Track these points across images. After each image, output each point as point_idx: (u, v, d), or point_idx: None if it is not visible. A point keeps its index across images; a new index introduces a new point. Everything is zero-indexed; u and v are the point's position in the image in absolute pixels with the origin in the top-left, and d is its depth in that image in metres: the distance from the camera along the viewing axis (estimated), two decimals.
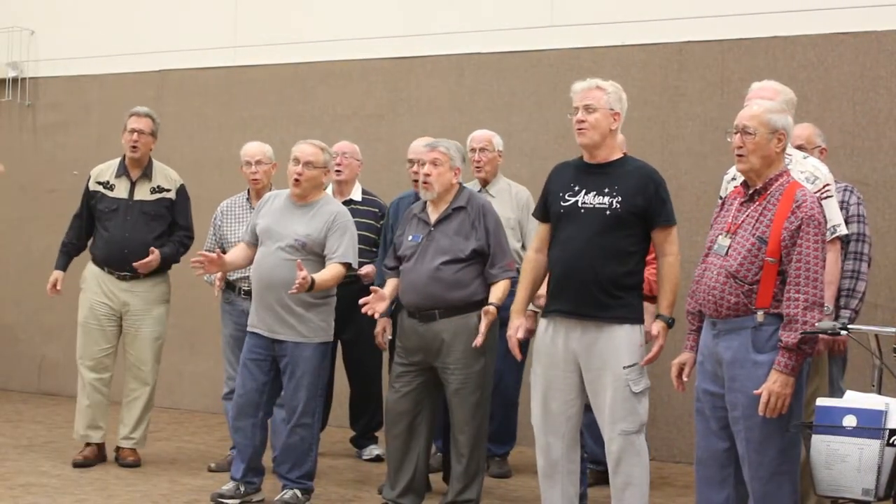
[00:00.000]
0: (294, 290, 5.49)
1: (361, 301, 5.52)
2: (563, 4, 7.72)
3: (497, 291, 5.36)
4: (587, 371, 4.80)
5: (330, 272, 5.69)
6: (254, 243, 5.88)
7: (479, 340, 5.27)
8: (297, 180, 5.77)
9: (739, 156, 4.35)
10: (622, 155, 4.93)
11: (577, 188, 4.85)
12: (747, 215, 4.35)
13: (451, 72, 8.05)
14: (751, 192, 4.38)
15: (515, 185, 6.64)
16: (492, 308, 5.29)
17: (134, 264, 6.57)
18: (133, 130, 6.67)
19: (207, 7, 9.00)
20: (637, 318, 4.78)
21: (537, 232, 5.07)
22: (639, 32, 7.43)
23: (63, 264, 6.76)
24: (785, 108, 4.47)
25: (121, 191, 6.70)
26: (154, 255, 6.56)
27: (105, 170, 6.79)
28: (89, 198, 6.73)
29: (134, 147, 6.67)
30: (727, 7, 7.20)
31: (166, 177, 6.83)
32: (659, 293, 4.85)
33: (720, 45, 7.20)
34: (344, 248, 5.74)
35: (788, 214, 4.23)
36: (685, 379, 4.56)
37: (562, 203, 4.87)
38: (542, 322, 4.94)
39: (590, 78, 4.96)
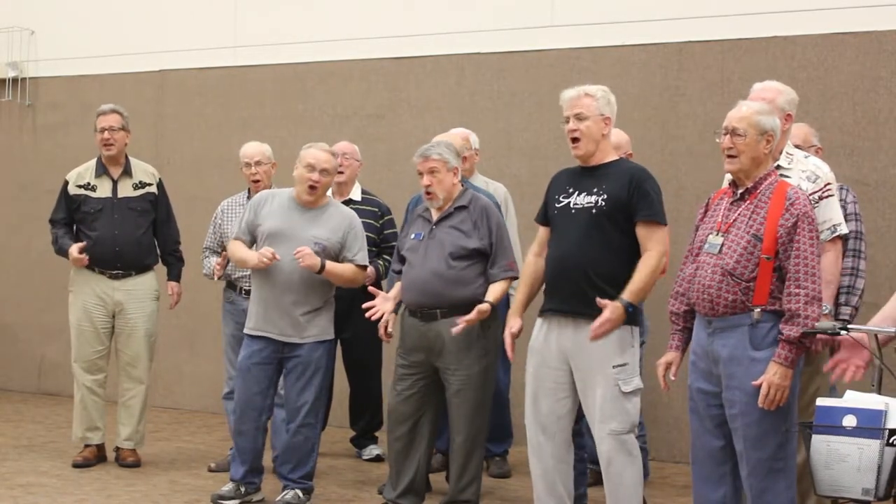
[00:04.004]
0: (300, 260, 5.53)
1: (366, 305, 5.55)
2: (563, 4, 7.71)
3: (495, 290, 5.36)
4: (577, 370, 4.82)
5: (344, 266, 5.75)
6: (251, 242, 5.85)
7: (457, 329, 5.24)
8: (313, 187, 5.74)
9: (730, 156, 4.40)
10: (617, 157, 4.97)
11: (570, 190, 4.92)
12: (739, 214, 4.39)
13: (451, 72, 8.05)
14: (741, 191, 4.42)
15: (493, 182, 6.63)
16: (485, 306, 5.27)
17: (170, 307, 6.81)
18: (103, 129, 6.66)
19: (207, 7, 9.00)
20: (629, 319, 4.75)
21: (538, 236, 5.10)
22: (639, 32, 7.42)
23: (72, 241, 6.59)
24: (773, 110, 4.50)
25: (104, 190, 6.69)
26: (176, 290, 6.82)
27: (83, 173, 6.76)
28: (70, 202, 6.69)
29: (108, 145, 6.66)
30: (727, 7, 7.20)
31: (146, 172, 6.85)
32: (631, 279, 4.73)
33: (720, 45, 7.20)
34: (364, 252, 5.84)
35: (783, 212, 4.28)
36: (672, 378, 4.58)
37: (556, 205, 4.94)
38: (538, 321, 4.96)
39: (589, 80, 4.99)
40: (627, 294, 4.69)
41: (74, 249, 6.50)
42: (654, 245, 4.77)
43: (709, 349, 4.39)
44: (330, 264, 5.66)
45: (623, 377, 4.73)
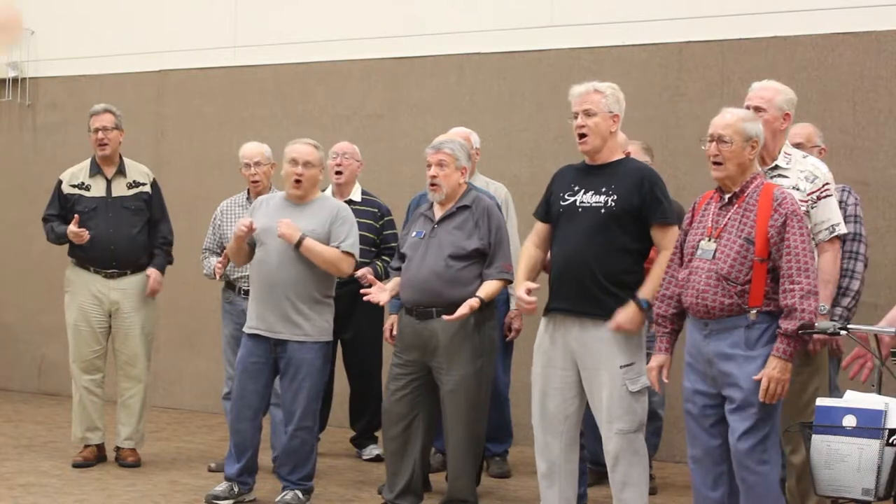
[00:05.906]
0: (280, 230, 5.53)
1: (362, 291, 5.56)
2: (563, 4, 7.71)
3: (488, 288, 5.34)
4: (584, 370, 4.82)
5: (327, 248, 5.69)
6: (249, 244, 5.86)
7: (449, 318, 5.22)
8: (298, 181, 5.74)
9: (716, 163, 4.43)
10: (623, 156, 4.96)
11: (576, 188, 4.90)
12: (729, 219, 4.42)
13: (451, 72, 8.05)
14: (728, 196, 4.45)
15: (493, 182, 6.62)
16: (475, 300, 5.26)
17: (147, 294, 6.66)
18: (97, 129, 6.66)
19: (207, 7, 9.00)
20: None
21: (535, 229, 5.09)
22: (639, 32, 7.43)
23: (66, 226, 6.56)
24: (756, 116, 4.52)
25: (98, 189, 6.69)
26: (154, 276, 6.68)
27: (77, 172, 6.76)
28: (64, 201, 6.69)
29: (103, 145, 6.67)
30: (727, 7, 7.20)
31: (140, 171, 6.85)
32: (647, 278, 4.82)
33: (720, 45, 7.20)
34: (352, 239, 5.76)
35: (771, 213, 4.33)
36: (665, 381, 4.61)
37: (561, 203, 4.92)
38: (543, 321, 4.95)
39: (589, 80, 4.98)
40: (646, 292, 4.74)
41: (72, 225, 6.46)
42: (669, 244, 4.78)
43: (704, 350, 4.41)
44: (309, 240, 5.61)
45: (630, 376, 4.74)
